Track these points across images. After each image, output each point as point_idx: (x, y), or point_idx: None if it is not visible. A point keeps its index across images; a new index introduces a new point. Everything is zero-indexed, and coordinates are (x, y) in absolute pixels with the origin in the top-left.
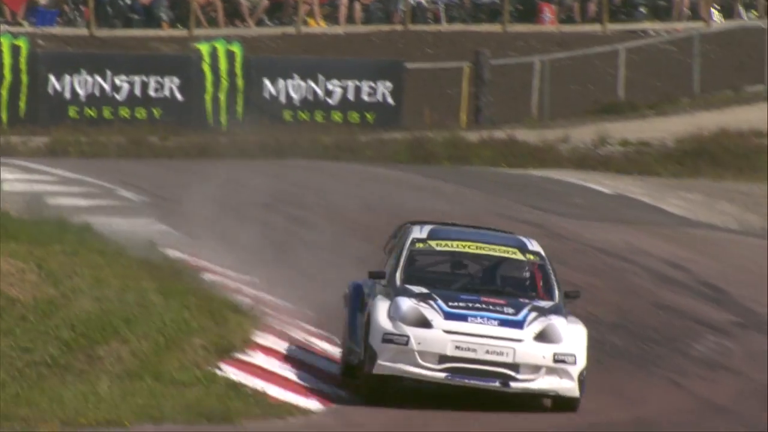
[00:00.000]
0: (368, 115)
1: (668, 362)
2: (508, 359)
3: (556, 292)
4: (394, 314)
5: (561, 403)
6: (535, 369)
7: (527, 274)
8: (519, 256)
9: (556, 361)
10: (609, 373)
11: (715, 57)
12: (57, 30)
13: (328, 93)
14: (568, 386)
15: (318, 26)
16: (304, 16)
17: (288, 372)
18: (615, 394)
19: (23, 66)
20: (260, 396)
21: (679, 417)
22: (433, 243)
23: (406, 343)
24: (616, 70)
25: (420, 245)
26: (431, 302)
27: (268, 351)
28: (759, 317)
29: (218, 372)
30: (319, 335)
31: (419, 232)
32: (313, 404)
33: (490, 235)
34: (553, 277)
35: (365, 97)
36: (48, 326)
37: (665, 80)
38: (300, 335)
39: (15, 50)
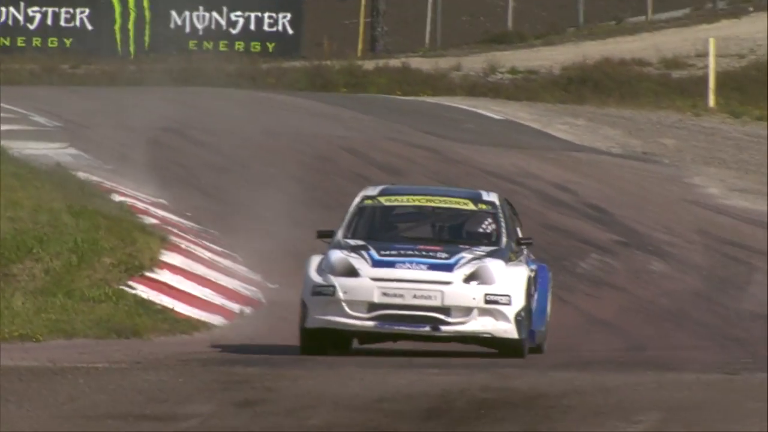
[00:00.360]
0: (269, 45)
1: (555, 280)
2: (437, 302)
3: (503, 239)
4: (324, 267)
5: (504, 348)
6: (467, 311)
7: (477, 224)
8: (471, 206)
9: (488, 302)
10: None
11: None
12: None
13: (231, 23)
14: (505, 327)
15: None
16: None
17: (194, 289)
18: None
19: None
20: (168, 312)
21: (566, 332)
22: (382, 199)
23: (333, 294)
24: (506, 2)
25: (369, 201)
26: (363, 252)
27: (175, 269)
28: (641, 236)
29: (127, 289)
30: (223, 254)
31: (372, 191)
32: (217, 319)
33: (444, 190)
34: (502, 224)
35: (266, 28)
36: None
37: (552, 11)
38: (205, 254)
39: None
